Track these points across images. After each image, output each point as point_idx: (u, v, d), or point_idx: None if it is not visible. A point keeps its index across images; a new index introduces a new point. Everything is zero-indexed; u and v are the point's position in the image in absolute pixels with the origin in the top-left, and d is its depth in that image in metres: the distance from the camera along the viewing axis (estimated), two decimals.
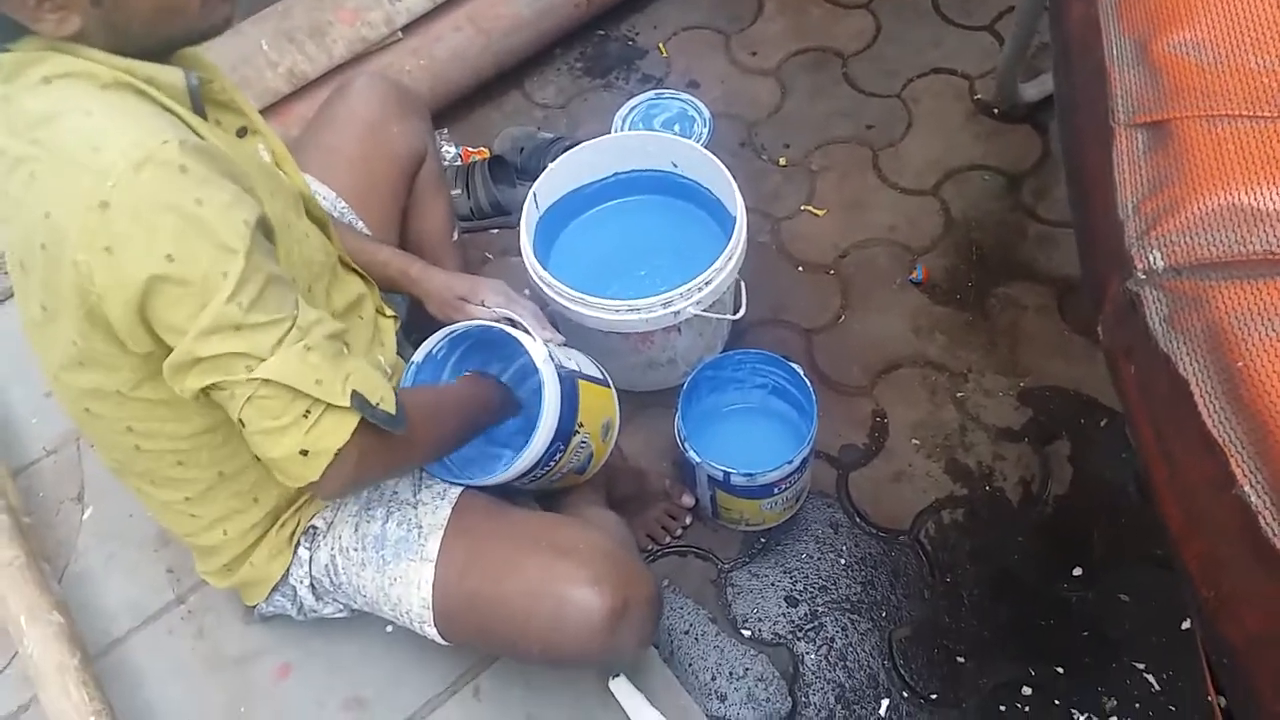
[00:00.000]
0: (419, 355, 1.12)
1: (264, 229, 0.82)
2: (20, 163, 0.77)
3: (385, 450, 0.88)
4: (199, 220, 0.75)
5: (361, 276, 1.11)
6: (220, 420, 0.92)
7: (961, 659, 1.26)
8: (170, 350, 0.79)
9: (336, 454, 0.83)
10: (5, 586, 1.15)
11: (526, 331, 1.11)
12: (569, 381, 1.11)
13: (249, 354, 0.78)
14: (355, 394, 0.83)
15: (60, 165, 0.75)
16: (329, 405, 0.81)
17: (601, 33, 1.97)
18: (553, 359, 1.10)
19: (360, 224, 1.24)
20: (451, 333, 1.13)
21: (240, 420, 0.81)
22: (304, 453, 0.82)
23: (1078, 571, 1.30)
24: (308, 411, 0.81)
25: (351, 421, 0.83)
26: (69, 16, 0.77)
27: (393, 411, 0.87)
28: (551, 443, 1.07)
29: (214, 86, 0.91)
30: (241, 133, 0.95)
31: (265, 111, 1.61)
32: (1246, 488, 0.60)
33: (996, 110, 1.76)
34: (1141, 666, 1.23)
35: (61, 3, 0.76)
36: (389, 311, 1.15)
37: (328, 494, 0.87)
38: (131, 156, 0.73)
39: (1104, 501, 1.36)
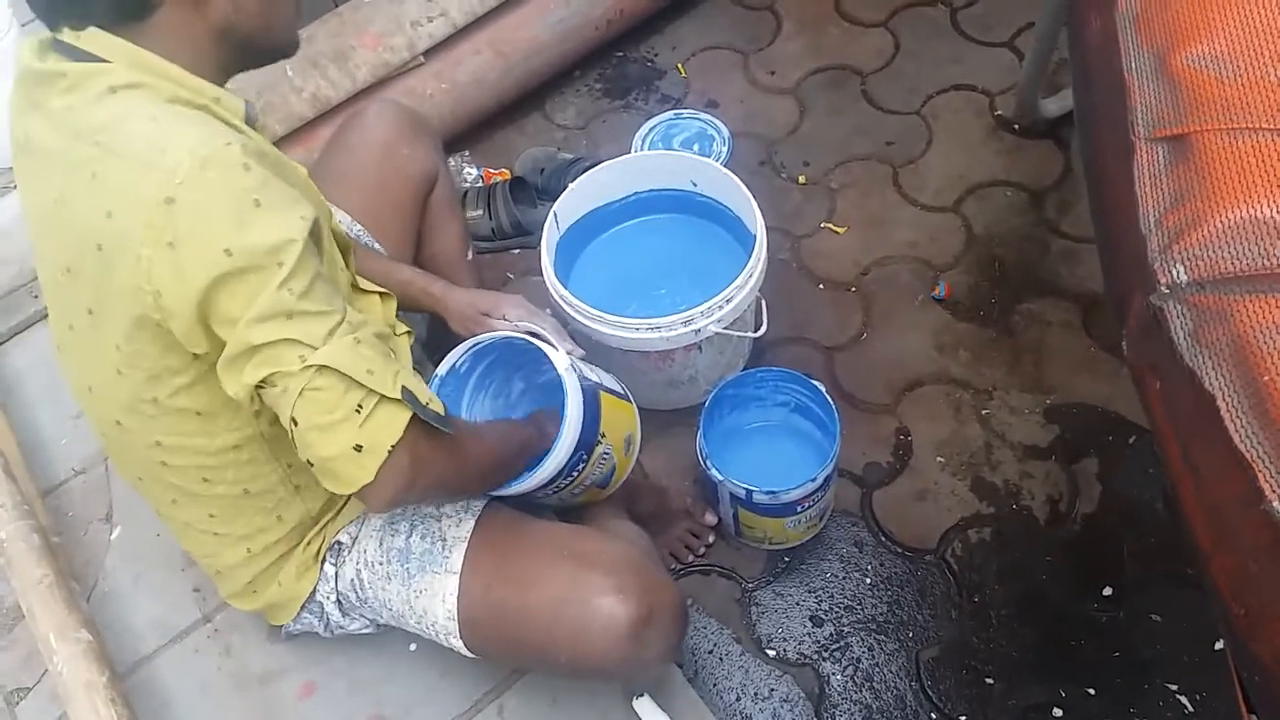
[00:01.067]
0: (443, 369, 1.13)
1: (315, 234, 0.84)
2: (80, 165, 0.79)
3: (435, 454, 0.87)
4: (257, 215, 0.77)
5: (380, 295, 1.13)
6: (247, 437, 0.93)
7: (990, 680, 1.24)
8: (223, 347, 0.80)
9: (390, 451, 0.82)
10: (35, 605, 1.17)
11: (549, 343, 1.12)
12: (591, 391, 1.12)
13: (301, 341, 0.79)
14: (405, 389, 0.83)
15: (125, 165, 0.77)
16: (382, 397, 0.81)
17: (620, 54, 1.98)
18: (575, 369, 1.11)
19: (377, 245, 1.26)
20: (475, 345, 1.14)
21: (293, 419, 0.80)
22: (358, 448, 0.81)
23: (1108, 591, 1.29)
24: (360, 406, 0.81)
25: (404, 416, 0.83)
26: None
27: (441, 412, 0.86)
28: (575, 451, 1.08)
29: (257, 125, 0.95)
30: None
31: (290, 136, 1.63)
32: (1275, 503, 0.60)
33: (1017, 126, 1.75)
34: (1174, 688, 1.20)
35: None
36: (401, 329, 1.17)
37: (381, 501, 0.84)
38: (198, 154, 0.76)
39: (1133, 520, 1.34)
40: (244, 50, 0.89)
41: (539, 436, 1.09)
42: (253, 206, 0.77)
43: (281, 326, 0.78)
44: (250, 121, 0.90)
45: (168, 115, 0.80)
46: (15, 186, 1.15)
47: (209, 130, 0.80)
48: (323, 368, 0.79)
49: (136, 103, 0.81)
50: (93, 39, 0.81)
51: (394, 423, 0.82)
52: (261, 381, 0.80)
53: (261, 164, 0.79)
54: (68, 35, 0.82)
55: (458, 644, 1.04)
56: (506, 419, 1.11)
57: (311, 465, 0.84)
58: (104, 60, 0.81)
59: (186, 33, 0.84)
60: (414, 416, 0.83)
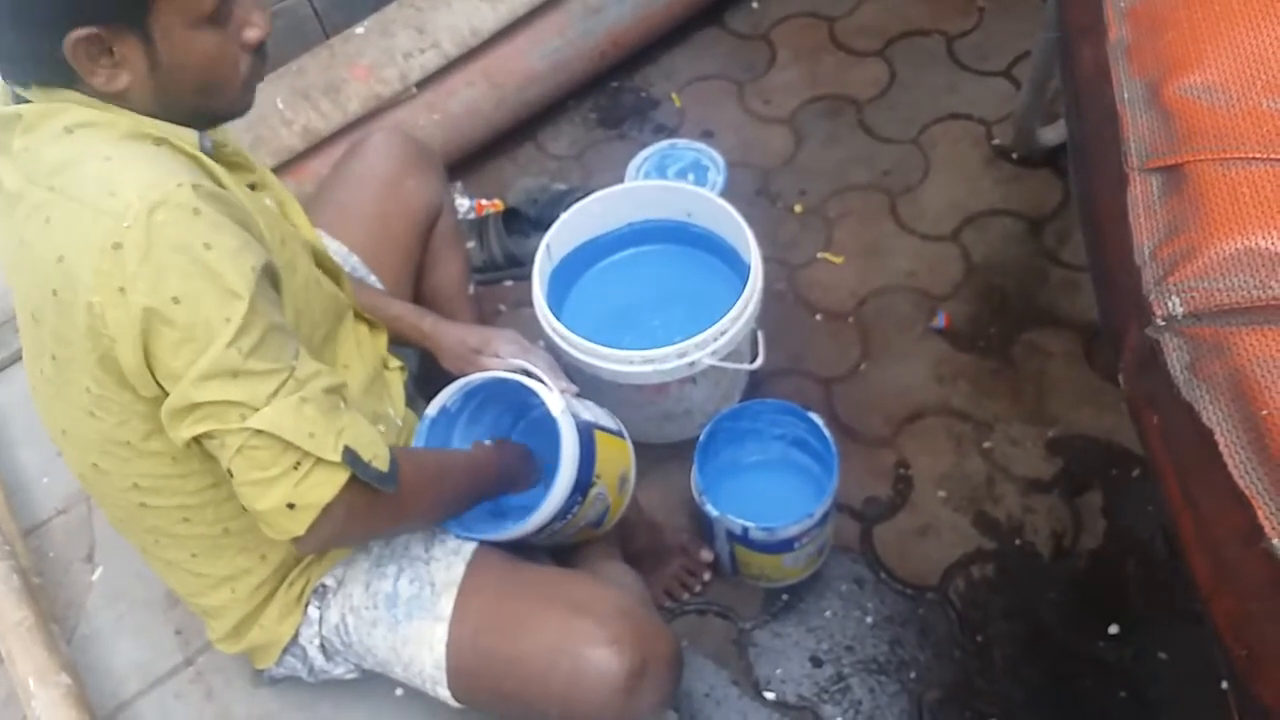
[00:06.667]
0: (432, 410, 1.11)
1: (270, 276, 0.83)
2: (37, 208, 0.79)
3: (373, 509, 0.87)
4: (206, 264, 0.76)
5: (370, 326, 1.11)
6: (225, 475, 0.91)
7: None
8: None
9: (324, 509, 0.82)
10: (14, 647, 1.15)
11: (542, 382, 1.10)
12: (586, 432, 1.09)
13: (244, 403, 0.78)
14: (348, 449, 0.82)
15: (76, 209, 0.76)
16: (319, 459, 0.81)
17: (615, 84, 1.98)
18: (569, 409, 1.09)
19: (373, 278, 1.25)
20: (465, 386, 1.12)
21: (229, 470, 0.81)
22: (290, 506, 0.81)
23: (1114, 629, 1.25)
24: (297, 464, 0.81)
25: (341, 477, 0.83)
26: (119, 74, 0.79)
27: (385, 470, 0.86)
28: (570, 495, 1.05)
29: (226, 150, 0.94)
30: (251, 187, 0.97)
31: (280, 169, 1.62)
32: (1276, 541, 0.58)
33: (1015, 155, 1.74)
34: None
35: (118, 60, 0.78)
36: (394, 363, 1.15)
37: (309, 549, 0.86)
38: (147, 198, 0.75)
39: (1139, 554, 1.31)
40: (188, 114, 0.86)
41: (497, 471, 1.07)
42: (202, 250, 0.76)
43: (225, 387, 0.78)
44: (207, 153, 0.87)
45: (122, 154, 0.79)
46: None
47: (161, 170, 0.78)
48: (261, 431, 0.78)
49: (92, 142, 0.79)
50: (39, 94, 0.81)
51: (330, 483, 0.82)
52: (201, 434, 0.80)
53: (214, 205, 0.78)
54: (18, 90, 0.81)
55: (444, 694, 1.01)
56: (467, 453, 1.09)
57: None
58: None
59: (126, 93, 0.81)
60: (353, 474, 0.83)
